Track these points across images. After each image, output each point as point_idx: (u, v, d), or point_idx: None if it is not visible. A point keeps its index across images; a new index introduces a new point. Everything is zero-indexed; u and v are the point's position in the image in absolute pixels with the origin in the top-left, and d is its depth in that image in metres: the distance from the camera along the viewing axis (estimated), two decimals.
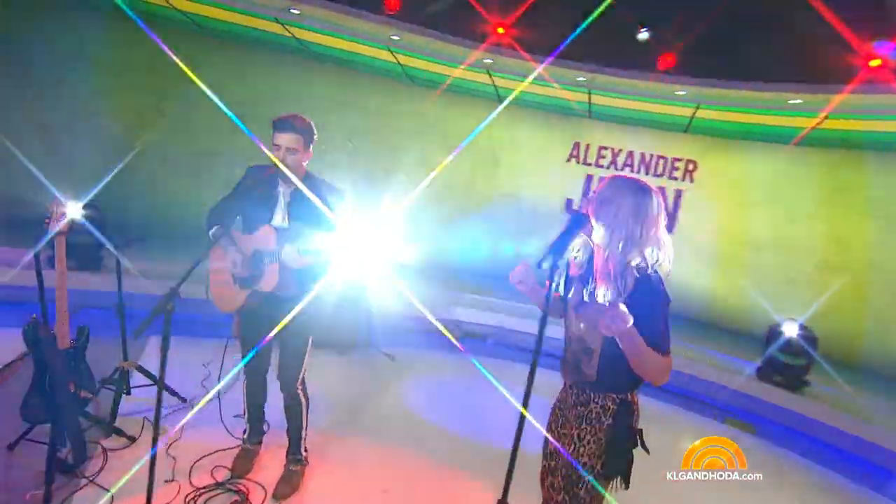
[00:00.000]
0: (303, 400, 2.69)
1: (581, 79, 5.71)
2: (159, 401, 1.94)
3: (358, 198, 4.42)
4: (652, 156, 6.72)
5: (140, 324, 1.90)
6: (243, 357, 2.67)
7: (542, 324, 1.45)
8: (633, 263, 1.64)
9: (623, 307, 1.49)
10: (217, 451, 2.84)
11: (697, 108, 5.76)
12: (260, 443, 2.91)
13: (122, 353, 3.21)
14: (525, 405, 1.38)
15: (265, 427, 2.93)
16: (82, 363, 2.64)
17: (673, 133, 6.61)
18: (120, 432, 2.86)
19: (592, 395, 1.78)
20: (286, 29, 5.39)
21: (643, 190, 1.64)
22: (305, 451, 2.81)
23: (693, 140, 6.53)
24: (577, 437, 1.75)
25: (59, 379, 2.48)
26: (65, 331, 2.51)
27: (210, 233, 2.48)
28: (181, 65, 4.72)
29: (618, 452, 1.69)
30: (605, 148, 6.90)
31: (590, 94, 6.07)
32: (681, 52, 5.53)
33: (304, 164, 2.53)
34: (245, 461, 2.79)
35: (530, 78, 5.63)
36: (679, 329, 5.69)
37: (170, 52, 4.66)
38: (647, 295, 1.62)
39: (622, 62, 5.61)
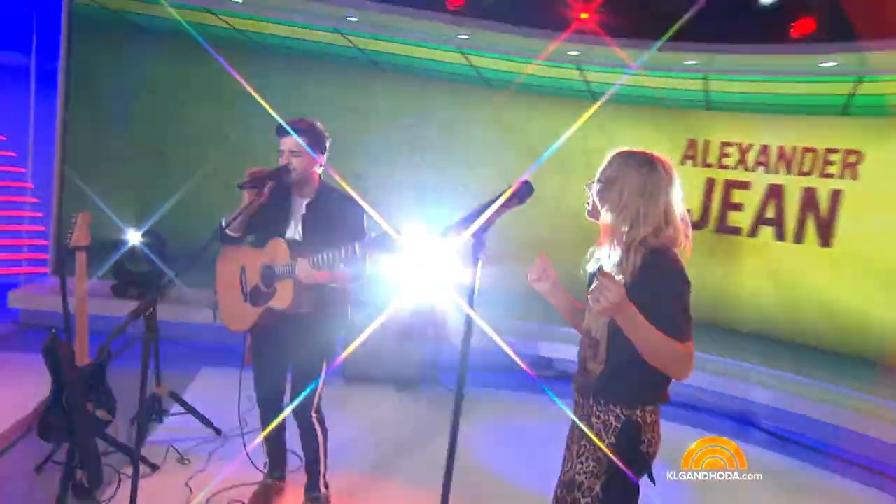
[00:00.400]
0: (318, 429, 2.72)
1: (693, 62, 5.39)
2: (142, 405, 2.05)
3: (427, 217, 4.53)
4: (795, 149, 6.08)
5: (115, 328, 2.06)
6: (256, 383, 2.77)
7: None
8: (641, 241, 1.62)
9: (617, 279, 1.47)
10: (234, 487, 2.94)
11: (858, 82, 5.13)
12: (283, 478, 2.97)
13: (156, 379, 3.51)
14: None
15: (296, 461, 2.99)
16: (102, 383, 2.91)
17: (823, 118, 5.93)
18: (143, 460, 3.09)
19: (595, 408, 1.71)
20: (346, 39, 5.77)
21: (650, 163, 1.67)
22: (326, 488, 2.83)
23: (854, 124, 5.79)
24: (575, 453, 1.73)
25: (75, 397, 2.75)
26: (84, 348, 2.77)
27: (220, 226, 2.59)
28: (247, 86, 5.22)
29: (619, 478, 1.59)
30: (730, 144, 6.37)
31: (706, 79, 5.69)
32: (822, 12, 4.99)
33: (316, 170, 2.62)
34: (262, 497, 2.86)
35: (636, 66, 5.42)
36: (852, 373, 5.01)
37: (235, 73, 5.18)
38: (657, 273, 1.57)
39: (744, 35, 5.20)
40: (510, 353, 5.01)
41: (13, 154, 4.97)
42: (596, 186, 1.70)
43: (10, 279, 5.10)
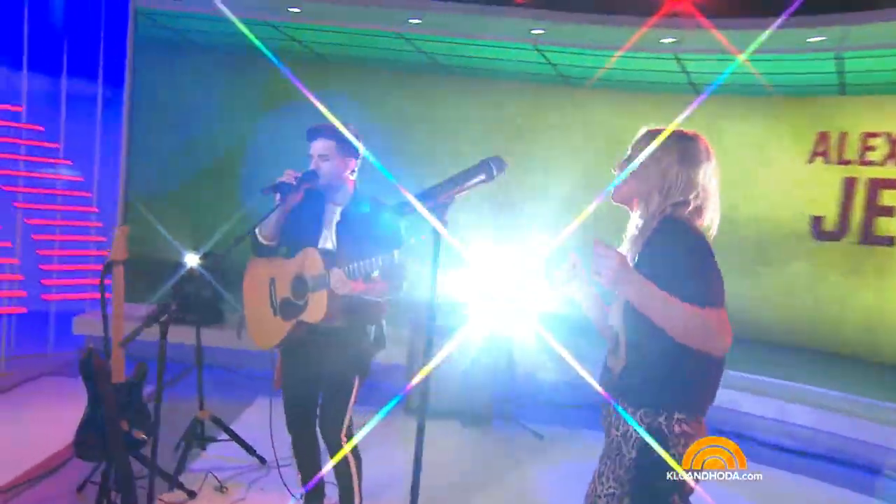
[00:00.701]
0: (349, 454, 2.71)
1: (821, 38, 5.01)
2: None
3: (501, 234, 4.48)
4: None
5: (130, 332, 2.18)
6: (285, 404, 2.82)
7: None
8: (664, 211, 1.64)
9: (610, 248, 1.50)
10: None
11: None
12: None
13: (199, 403, 3.67)
14: None
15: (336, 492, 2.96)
16: (138, 401, 3.08)
17: None
18: (180, 486, 3.22)
19: (614, 418, 1.65)
20: (411, 43, 5.94)
21: (688, 137, 1.70)
22: None
23: None
24: (598, 473, 1.70)
25: (109, 414, 2.92)
26: (119, 364, 2.94)
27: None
28: (311, 98, 5.50)
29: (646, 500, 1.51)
30: (875, 135, 5.82)
31: (839, 58, 5.27)
32: None
33: (348, 176, 2.70)
34: None
35: (744, 50, 5.14)
36: None
37: (299, 83, 5.48)
38: (669, 237, 1.57)
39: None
40: (596, 385, 4.83)
41: (80, 178, 5.48)
42: (628, 162, 1.72)
43: (76, 305, 5.49)
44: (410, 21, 5.46)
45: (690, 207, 1.62)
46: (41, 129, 5.31)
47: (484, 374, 4.74)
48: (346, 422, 2.70)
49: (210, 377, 4.35)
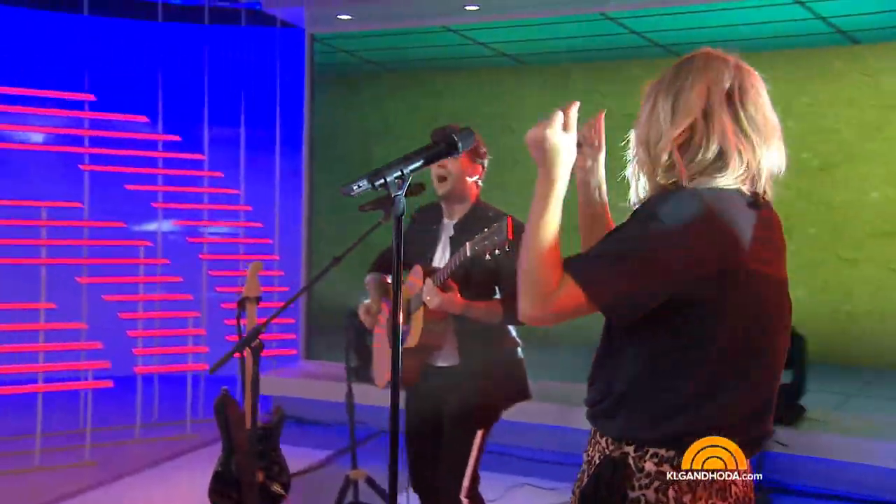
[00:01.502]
0: None
1: None
2: None
3: None
4: None
5: (218, 360, 2.71)
6: (407, 458, 3.06)
7: None
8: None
9: None
10: None
11: None
12: None
13: (352, 462, 4.17)
14: None
15: None
16: (274, 451, 3.68)
17: None
18: None
19: (587, 443, 1.69)
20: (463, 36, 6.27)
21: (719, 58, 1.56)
22: None
23: None
24: None
25: (242, 461, 3.55)
26: (253, 408, 3.45)
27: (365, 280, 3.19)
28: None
29: None
30: None
31: None
32: None
33: (472, 183, 2.98)
34: None
35: None
36: None
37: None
38: (643, 208, 1.54)
39: None
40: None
41: (260, 225, 6.56)
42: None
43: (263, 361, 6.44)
44: (467, 8, 5.92)
45: (698, 161, 1.48)
46: (221, 175, 6.48)
47: None
48: (468, 482, 2.88)
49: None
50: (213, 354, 5.65)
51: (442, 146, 1.67)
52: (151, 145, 6.41)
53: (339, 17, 6.43)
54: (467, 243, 2.51)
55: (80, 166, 5.92)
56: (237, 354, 3.30)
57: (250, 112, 6.69)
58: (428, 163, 1.65)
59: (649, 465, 1.49)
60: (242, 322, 3.64)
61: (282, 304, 6.36)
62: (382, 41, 6.76)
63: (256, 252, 6.49)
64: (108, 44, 6.82)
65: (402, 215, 1.62)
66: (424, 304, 2.77)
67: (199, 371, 6.15)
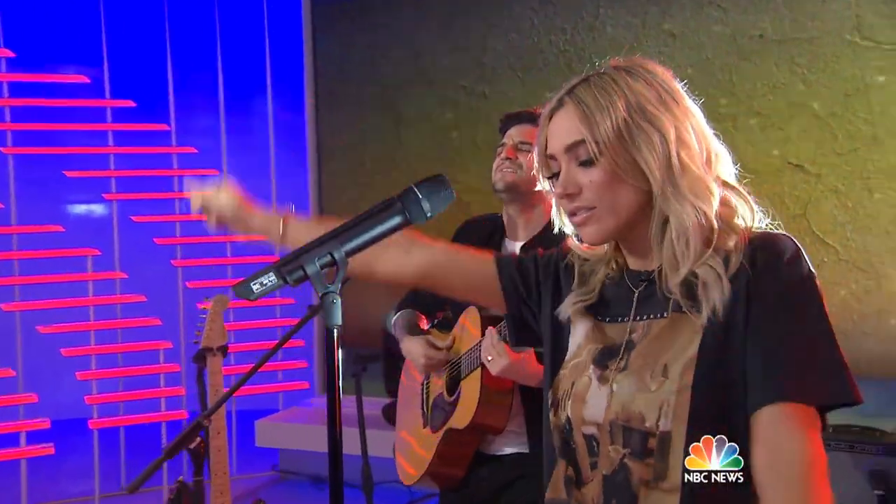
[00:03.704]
0: None
1: None
2: None
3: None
4: None
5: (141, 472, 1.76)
6: None
7: None
8: None
9: None
10: None
11: None
12: None
13: None
14: None
15: None
16: None
17: None
18: None
19: None
20: None
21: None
22: None
23: None
24: None
25: None
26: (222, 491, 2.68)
27: (391, 321, 2.72)
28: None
29: None
30: None
31: None
32: None
33: (538, 193, 2.45)
34: None
35: None
36: None
37: None
38: None
39: None
40: None
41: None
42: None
43: (269, 404, 5.40)
44: None
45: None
46: (194, 150, 5.21)
47: None
48: None
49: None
50: (191, 398, 4.68)
51: (397, 205, 1.23)
52: (98, 115, 5.01)
53: None
54: None
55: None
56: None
57: (228, 60, 5.47)
58: (375, 239, 1.23)
59: None
60: (205, 381, 2.86)
61: (286, 321, 5.13)
62: None
63: (248, 254, 5.25)
64: None
65: (336, 326, 1.14)
66: (483, 367, 2.36)
67: (177, 419, 4.94)
